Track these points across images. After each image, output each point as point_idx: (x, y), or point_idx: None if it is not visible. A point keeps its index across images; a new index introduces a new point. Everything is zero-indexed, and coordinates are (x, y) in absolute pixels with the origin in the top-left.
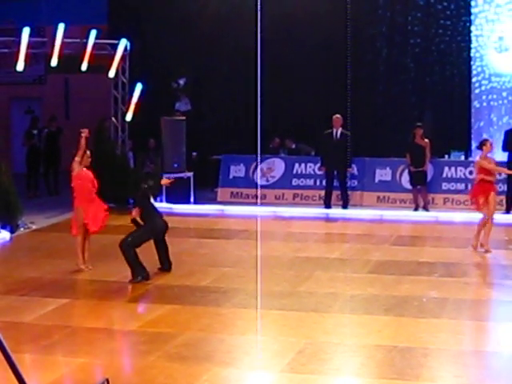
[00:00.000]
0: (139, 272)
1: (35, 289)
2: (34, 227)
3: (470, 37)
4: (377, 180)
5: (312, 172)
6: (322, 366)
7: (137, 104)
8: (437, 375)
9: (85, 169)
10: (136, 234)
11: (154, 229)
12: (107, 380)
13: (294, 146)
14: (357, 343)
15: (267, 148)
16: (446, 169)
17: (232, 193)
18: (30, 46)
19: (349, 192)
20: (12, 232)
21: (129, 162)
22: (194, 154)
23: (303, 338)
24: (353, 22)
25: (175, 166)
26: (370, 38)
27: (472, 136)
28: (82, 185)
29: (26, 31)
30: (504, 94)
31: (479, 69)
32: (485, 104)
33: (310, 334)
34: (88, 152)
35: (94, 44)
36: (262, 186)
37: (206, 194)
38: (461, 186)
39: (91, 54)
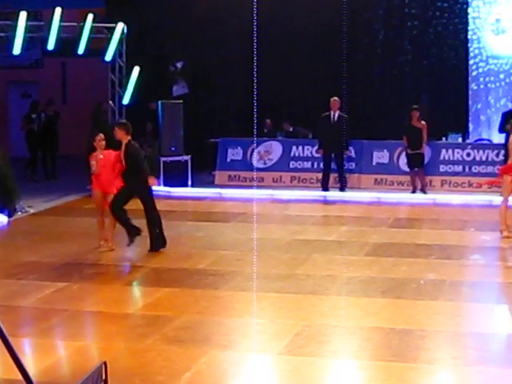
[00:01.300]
0: (133, 231)
1: (33, 273)
2: (31, 211)
3: (467, 19)
4: (374, 162)
5: (309, 155)
6: (319, 349)
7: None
8: (434, 357)
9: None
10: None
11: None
12: (105, 363)
13: (291, 129)
14: (354, 325)
15: (262, 131)
16: (444, 151)
17: (229, 176)
18: (26, 29)
19: (346, 174)
20: (10, 216)
21: None
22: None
23: (301, 321)
24: (350, 4)
25: (172, 149)
26: (366, 20)
27: (469, 118)
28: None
29: (23, 15)
30: (501, 76)
31: (476, 51)
32: (482, 86)
33: (307, 316)
34: (101, 135)
35: (91, 28)
36: (260, 169)
37: (203, 177)
38: (458, 168)
39: (88, 38)
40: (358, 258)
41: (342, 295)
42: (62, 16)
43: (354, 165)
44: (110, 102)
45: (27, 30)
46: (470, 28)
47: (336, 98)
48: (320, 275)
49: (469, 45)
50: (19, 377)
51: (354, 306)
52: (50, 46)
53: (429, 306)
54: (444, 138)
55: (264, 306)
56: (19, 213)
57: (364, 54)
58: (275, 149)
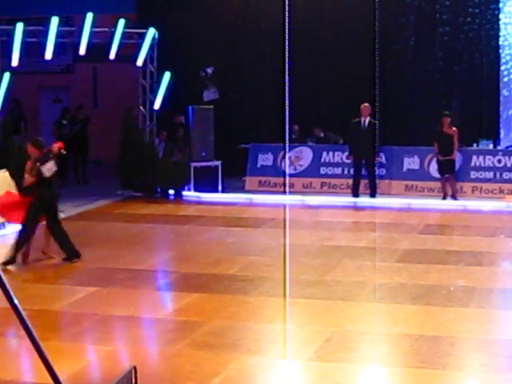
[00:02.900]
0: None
1: (64, 277)
2: (62, 216)
3: (498, 25)
4: (405, 169)
5: (340, 160)
6: (349, 355)
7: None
8: (464, 364)
9: None
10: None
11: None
12: (135, 368)
13: (322, 135)
14: (384, 332)
15: (291, 137)
16: (475, 157)
17: (260, 181)
18: (58, 35)
19: (377, 181)
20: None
21: (156, 150)
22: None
23: (330, 327)
24: (381, 10)
25: (203, 154)
26: (398, 26)
27: (501, 124)
28: None
29: (54, 20)
30: None
31: (508, 57)
32: None
33: (337, 322)
34: None
35: (123, 33)
36: (290, 175)
37: (234, 182)
38: (489, 175)
39: (119, 43)
40: (387, 264)
41: (371, 301)
42: (93, 21)
43: (384, 171)
44: (141, 107)
45: (59, 35)
46: (501, 34)
47: (367, 104)
48: (350, 281)
49: (500, 51)
50: (50, 381)
51: (384, 313)
52: (82, 51)
53: (459, 312)
54: (475, 145)
55: (293, 311)
56: None
57: (395, 60)
58: (306, 154)
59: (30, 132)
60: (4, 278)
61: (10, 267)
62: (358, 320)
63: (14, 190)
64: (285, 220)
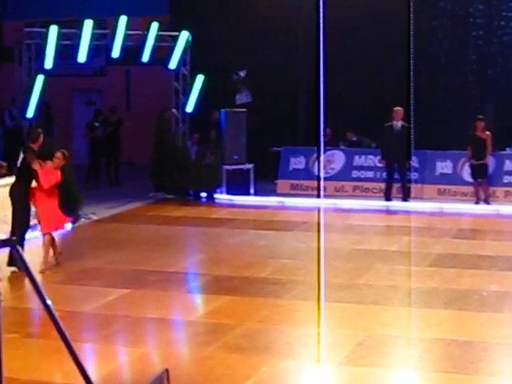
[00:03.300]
0: None
1: (96, 279)
2: (95, 218)
3: None
4: (437, 173)
5: (372, 164)
6: (380, 359)
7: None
8: (497, 369)
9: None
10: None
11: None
12: (167, 370)
13: (354, 139)
14: (416, 336)
15: (323, 140)
16: (508, 162)
17: (292, 185)
18: (91, 37)
19: (409, 185)
20: (73, 222)
21: (189, 153)
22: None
23: (362, 331)
24: (415, 14)
25: (235, 157)
26: (431, 30)
27: None
28: None
29: (88, 23)
30: None
31: None
32: None
33: (368, 326)
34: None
35: (156, 36)
36: (322, 178)
37: (265, 185)
38: None
39: (152, 46)
40: (420, 268)
41: (403, 306)
42: (126, 24)
43: (417, 175)
44: (174, 110)
45: (92, 38)
46: None
47: (399, 107)
48: (382, 285)
49: None
50: (82, 382)
51: (416, 317)
52: (115, 54)
53: (491, 317)
54: (508, 149)
55: (325, 315)
56: (83, 219)
57: (429, 64)
58: (338, 158)
59: (62, 135)
60: (37, 279)
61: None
62: (389, 324)
63: None
64: (319, 223)
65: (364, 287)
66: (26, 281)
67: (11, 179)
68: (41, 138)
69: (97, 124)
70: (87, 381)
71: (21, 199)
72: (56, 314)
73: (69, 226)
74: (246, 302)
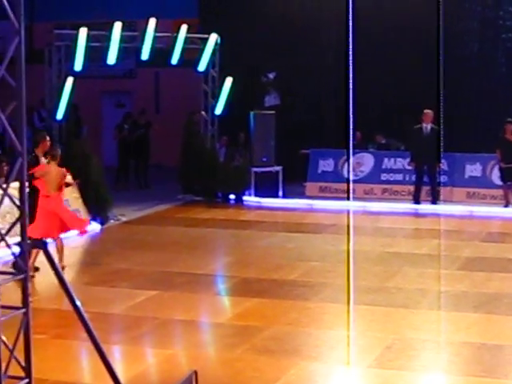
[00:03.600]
0: None
1: (124, 280)
2: (123, 219)
3: None
4: (467, 176)
5: (401, 167)
6: (409, 362)
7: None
8: None
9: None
10: None
11: None
12: (195, 372)
13: (384, 141)
14: (445, 340)
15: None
16: None
17: (320, 187)
18: (121, 39)
19: (438, 187)
20: (102, 224)
21: (217, 155)
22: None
23: (391, 334)
24: (444, 16)
25: (264, 160)
26: (461, 33)
27: None
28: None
29: (117, 25)
30: None
31: None
32: None
33: (397, 329)
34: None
35: (185, 38)
36: (351, 181)
37: (294, 188)
38: None
39: (182, 48)
40: (449, 271)
41: (432, 309)
42: (156, 26)
43: (446, 177)
44: (203, 112)
45: (122, 40)
46: None
47: (428, 110)
48: (411, 288)
49: None
50: (111, 383)
51: (445, 321)
52: (144, 56)
53: None
54: None
55: (354, 318)
56: (111, 221)
57: (458, 67)
58: (367, 161)
59: (90, 136)
60: (67, 280)
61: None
62: (419, 327)
63: (77, 193)
64: (348, 226)
65: (393, 290)
66: (54, 282)
67: None
68: (46, 143)
69: (126, 126)
70: (116, 382)
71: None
72: (85, 315)
73: (97, 227)
74: (275, 305)
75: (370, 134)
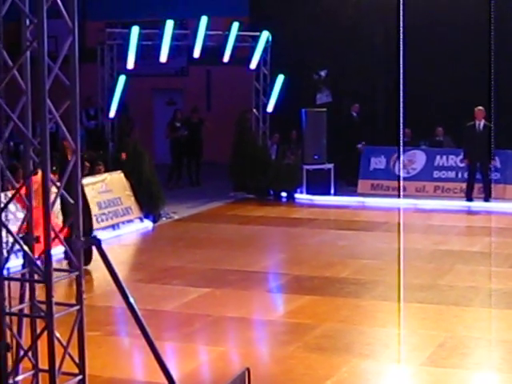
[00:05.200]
0: None
1: (177, 277)
2: (175, 217)
3: None
4: None
5: (453, 164)
6: (462, 360)
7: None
8: None
9: None
10: None
11: None
12: (248, 369)
13: (441, 138)
14: (498, 338)
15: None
16: None
17: (372, 184)
18: (173, 38)
19: (491, 185)
20: (154, 221)
21: (269, 153)
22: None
23: (443, 332)
24: (496, 13)
25: (316, 157)
26: None
27: None
28: None
29: (169, 23)
30: None
31: None
32: None
33: (450, 327)
34: None
35: (236, 36)
36: (403, 178)
37: (346, 185)
38: None
39: (233, 46)
40: (502, 269)
41: (485, 307)
42: (207, 24)
43: (499, 175)
44: (254, 109)
45: (173, 38)
46: None
47: (481, 107)
48: (463, 286)
49: None
50: (163, 380)
51: (498, 319)
52: (196, 54)
53: None
54: None
55: (406, 316)
56: (164, 218)
57: (510, 63)
58: (419, 158)
59: (141, 134)
60: (120, 278)
61: None
62: (471, 325)
63: (129, 191)
64: (399, 224)
65: (445, 288)
66: (107, 279)
67: (94, 179)
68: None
69: (178, 124)
70: (169, 379)
71: None
72: (139, 312)
73: (150, 224)
74: (327, 302)
75: (422, 131)
